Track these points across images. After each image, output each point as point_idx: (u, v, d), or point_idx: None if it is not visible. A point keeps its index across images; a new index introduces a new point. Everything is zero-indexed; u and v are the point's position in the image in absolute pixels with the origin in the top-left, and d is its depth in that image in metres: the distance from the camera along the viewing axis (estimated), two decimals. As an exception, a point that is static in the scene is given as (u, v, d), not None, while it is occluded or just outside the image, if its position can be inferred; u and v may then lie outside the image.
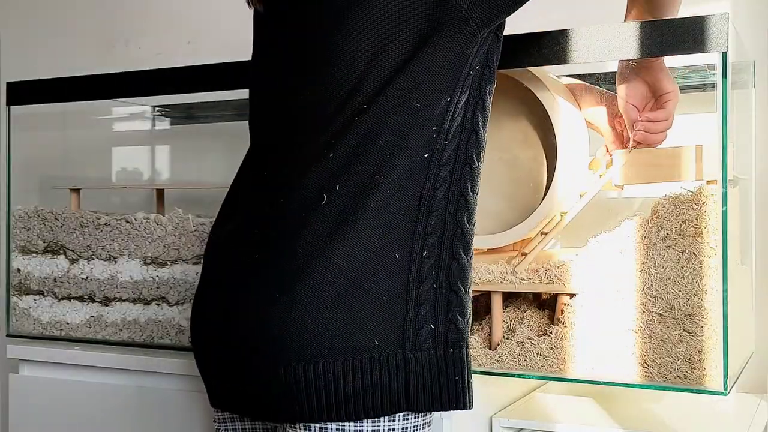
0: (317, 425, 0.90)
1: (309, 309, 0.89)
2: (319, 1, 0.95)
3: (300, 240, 0.91)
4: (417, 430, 0.93)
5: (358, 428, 0.90)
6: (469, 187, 0.96)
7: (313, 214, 0.91)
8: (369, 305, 0.89)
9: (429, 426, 0.96)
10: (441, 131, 0.92)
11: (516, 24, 1.18)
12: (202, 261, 1.06)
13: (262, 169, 1.01)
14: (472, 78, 0.95)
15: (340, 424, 0.90)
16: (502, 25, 0.99)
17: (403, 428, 0.92)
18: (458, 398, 0.94)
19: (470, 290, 0.97)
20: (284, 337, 0.89)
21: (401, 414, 0.91)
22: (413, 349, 0.90)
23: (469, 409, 0.95)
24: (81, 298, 1.54)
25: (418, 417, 0.93)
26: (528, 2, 0.96)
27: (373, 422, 0.90)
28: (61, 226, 1.55)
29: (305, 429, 0.91)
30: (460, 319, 0.94)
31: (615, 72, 1.46)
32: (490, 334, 1.23)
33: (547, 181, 1.28)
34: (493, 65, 0.98)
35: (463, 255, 0.95)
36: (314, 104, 0.95)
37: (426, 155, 0.92)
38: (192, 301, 1.05)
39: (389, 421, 0.91)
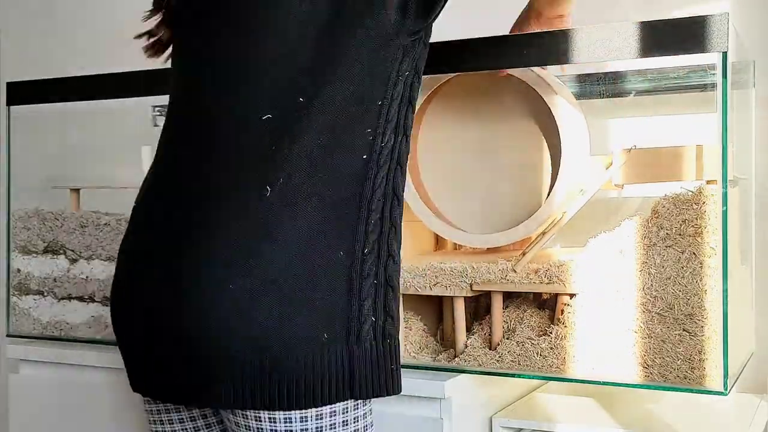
0: (266, 413, 0.95)
1: (258, 302, 0.92)
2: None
3: (243, 230, 0.93)
4: (357, 419, 0.98)
5: (303, 416, 0.94)
6: (401, 188, 1.01)
7: (258, 203, 0.93)
8: (316, 301, 0.93)
9: (370, 414, 1.00)
10: (377, 134, 0.97)
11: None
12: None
13: (186, 162, 1.02)
14: (403, 84, 0.99)
15: (287, 413, 0.94)
16: (428, 33, 1.04)
17: (344, 419, 0.97)
18: (393, 385, 1.00)
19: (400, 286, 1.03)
20: (233, 327, 0.92)
21: (341, 404, 0.96)
22: (357, 342, 0.96)
23: (399, 393, 1.01)
24: (81, 298, 1.54)
25: (357, 406, 0.98)
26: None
27: (316, 410, 0.95)
28: (61, 226, 1.55)
29: (255, 418, 0.95)
30: (396, 312, 1.00)
31: (616, 71, 1.46)
32: (490, 334, 1.23)
33: (551, 180, 1.28)
34: (421, 72, 1.03)
35: (397, 252, 1.01)
36: (249, 100, 0.97)
37: (365, 156, 0.97)
38: (111, 292, 1.06)
39: (330, 410, 0.96)
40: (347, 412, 0.97)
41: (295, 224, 0.93)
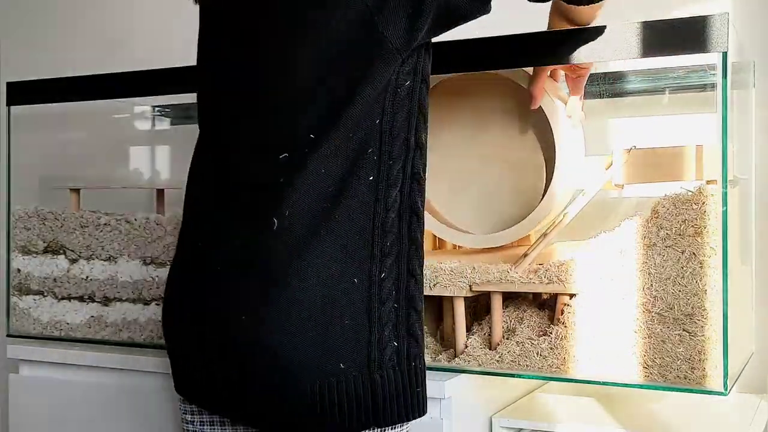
0: None
1: (276, 333, 0.91)
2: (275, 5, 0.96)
3: (259, 263, 0.93)
4: None
5: None
6: (419, 204, 0.98)
7: (268, 239, 0.93)
8: (332, 330, 0.92)
9: None
10: (381, 153, 0.94)
11: (516, 24, 1.18)
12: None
13: (225, 169, 1.01)
14: (404, 95, 0.96)
15: None
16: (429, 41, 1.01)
17: None
18: (420, 407, 0.98)
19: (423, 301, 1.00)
20: (252, 355, 0.93)
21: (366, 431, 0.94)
22: (378, 369, 0.93)
23: (424, 415, 0.98)
24: (81, 298, 1.54)
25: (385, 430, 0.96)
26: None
27: None
28: (61, 226, 1.55)
29: None
30: (420, 333, 0.97)
31: (615, 72, 1.46)
32: (490, 334, 1.23)
33: (546, 180, 1.28)
34: (428, 78, 1.00)
35: (419, 271, 0.98)
36: (265, 118, 0.96)
37: (371, 178, 0.94)
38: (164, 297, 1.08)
39: None
40: None
41: (307, 255, 0.92)
